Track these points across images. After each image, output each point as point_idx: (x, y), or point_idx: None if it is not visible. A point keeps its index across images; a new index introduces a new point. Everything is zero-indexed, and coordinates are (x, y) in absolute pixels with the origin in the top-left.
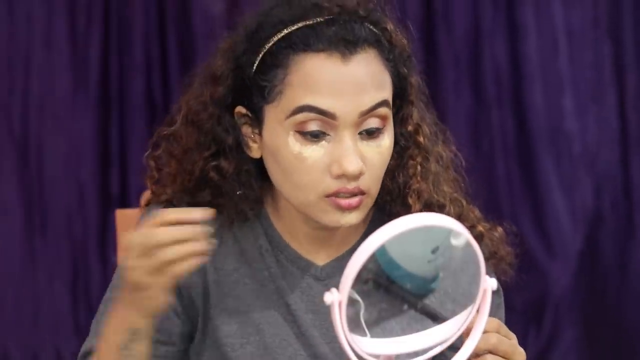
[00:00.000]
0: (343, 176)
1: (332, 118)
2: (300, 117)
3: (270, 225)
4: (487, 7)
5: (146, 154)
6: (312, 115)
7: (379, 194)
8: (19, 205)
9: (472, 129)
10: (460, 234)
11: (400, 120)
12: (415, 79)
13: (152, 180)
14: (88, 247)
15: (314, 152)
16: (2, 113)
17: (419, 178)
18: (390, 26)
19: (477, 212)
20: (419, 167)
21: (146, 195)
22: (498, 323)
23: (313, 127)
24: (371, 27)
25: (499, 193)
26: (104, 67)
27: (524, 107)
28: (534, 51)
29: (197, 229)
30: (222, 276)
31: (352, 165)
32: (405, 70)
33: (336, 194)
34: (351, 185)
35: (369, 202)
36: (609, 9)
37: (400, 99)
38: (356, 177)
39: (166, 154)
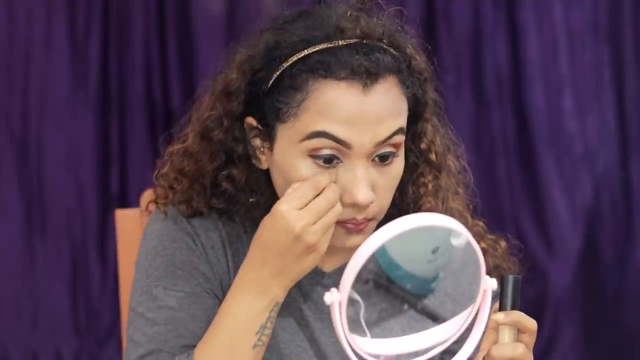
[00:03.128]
0: (354, 205)
1: (347, 147)
2: (315, 142)
3: None
4: (487, 8)
5: (155, 173)
6: (326, 142)
7: (387, 209)
8: (18, 205)
9: (472, 130)
10: (460, 234)
11: (412, 136)
12: (432, 97)
13: (164, 199)
14: (88, 247)
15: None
16: (2, 113)
17: (429, 197)
18: (410, 50)
19: (481, 226)
20: (430, 185)
21: (146, 195)
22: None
23: (326, 152)
24: (393, 51)
25: (500, 193)
26: (104, 67)
27: (524, 108)
28: (535, 52)
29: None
30: None
31: (363, 196)
32: (421, 93)
33: (345, 222)
34: (360, 216)
35: (374, 225)
36: (608, 10)
37: (413, 117)
38: (366, 207)
39: (175, 171)
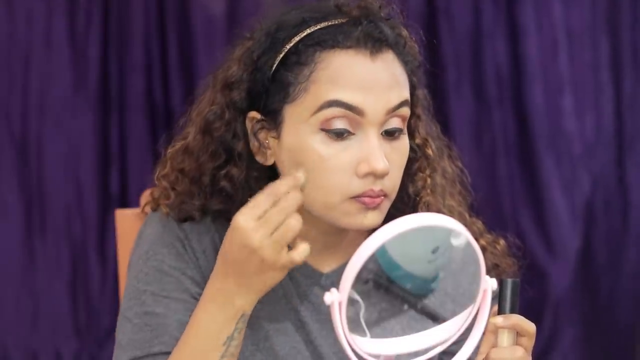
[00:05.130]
0: (370, 175)
1: (359, 114)
2: (328, 112)
3: None
4: (488, 7)
5: (156, 174)
6: (339, 110)
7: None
8: (18, 205)
9: (473, 129)
10: (460, 234)
11: (407, 131)
12: (422, 92)
13: (167, 200)
14: (88, 247)
15: (340, 151)
16: (2, 113)
17: (428, 191)
18: (404, 32)
19: (479, 225)
20: (428, 180)
21: (146, 195)
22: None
23: (339, 124)
24: (392, 34)
25: (501, 192)
26: (104, 67)
27: (524, 107)
28: (535, 51)
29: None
30: None
31: (380, 163)
32: (415, 80)
33: (361, 196)
34: (377, 187)
35: (388, 204)
36: (606, 11)
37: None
38: (383, 176)
39: (175, 171)
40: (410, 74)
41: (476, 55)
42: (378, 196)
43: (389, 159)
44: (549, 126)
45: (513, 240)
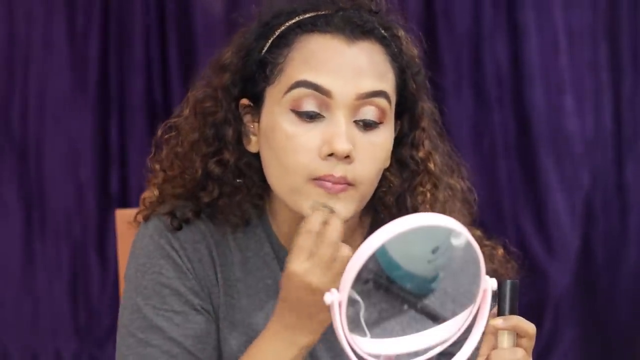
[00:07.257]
0: (332, 157)
1: (327, 96)
2: (296, 92)
3: (272, 233)
4: (487, 8)
5: (150, 156)
6: (307, 91)
7: (384, 217)
8: (18, 206)
9: (473, 129)
10: (460, 234)
11: (411, 143)
12: (429, 106)
13: (155, 184)
14: (87, 247)
15: (306, 132)
16: (2, 113)
17: (427, 206)
18: (401, 33)
19: (478, 234)
20: (428, 195)
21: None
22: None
23: (309, 106)
24: (382, 30)
25: (501, 193)
26: (104, 67)
27: (524, 108)
28: (535, 52)
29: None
30: (229, 287)
31: (341, 144)
32: (414, 85)
33: (322, 179)
34: (338, 172)
35: (356, 196)
36: (606, 12)
37: (410, 120)
38: (344, 158)
39: (170, 154)
40: (405, 75)
41: (476, 57)
42: (339, 182)
43: (359, 148)
44: (549, 127)
45: (510, 248)
